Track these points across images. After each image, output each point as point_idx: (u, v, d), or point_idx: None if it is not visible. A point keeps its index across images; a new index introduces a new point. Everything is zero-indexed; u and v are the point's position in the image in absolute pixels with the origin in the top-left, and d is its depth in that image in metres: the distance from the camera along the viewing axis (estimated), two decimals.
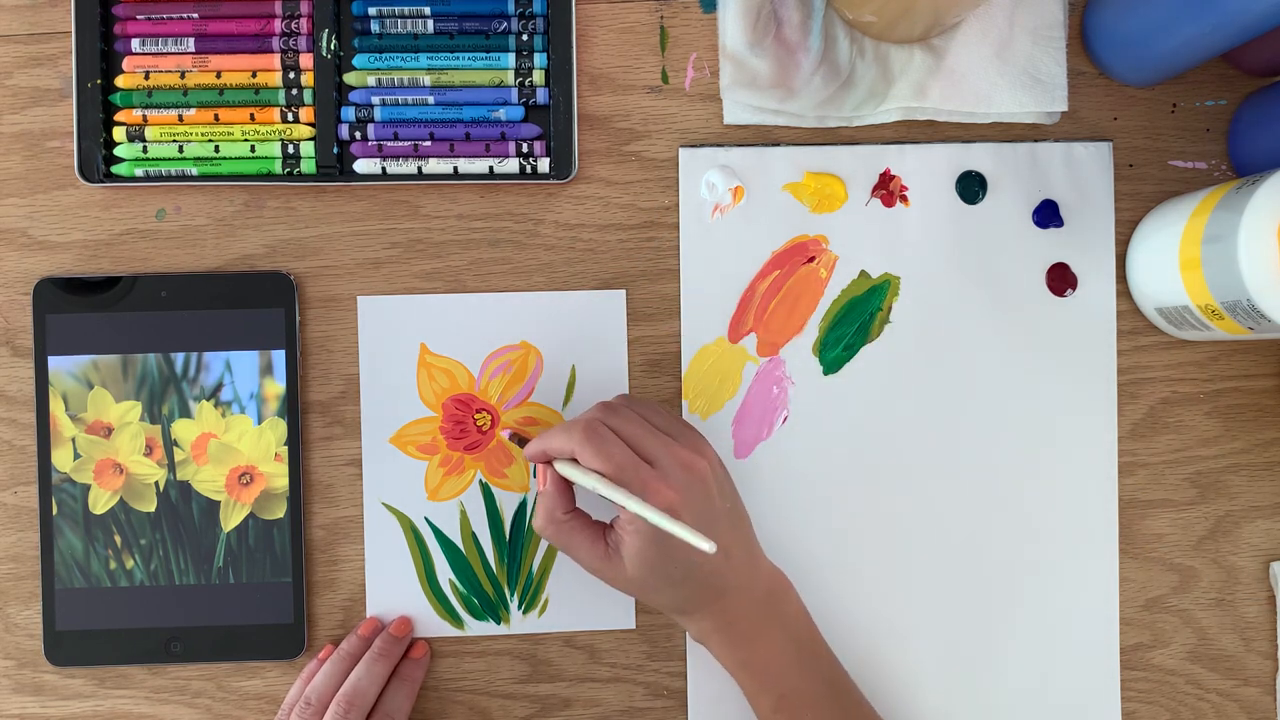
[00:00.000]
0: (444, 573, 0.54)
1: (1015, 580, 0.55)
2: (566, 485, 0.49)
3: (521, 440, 0.52)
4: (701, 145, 0.55)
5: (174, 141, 0.53)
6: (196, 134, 0.53)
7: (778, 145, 0.55)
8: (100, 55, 0.53)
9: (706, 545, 0.42)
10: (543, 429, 0.54)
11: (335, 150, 0.54)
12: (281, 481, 0.54)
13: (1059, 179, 0.55)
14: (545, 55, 0.54)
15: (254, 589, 0.53)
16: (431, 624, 0.54)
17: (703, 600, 0.49)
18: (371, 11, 0.54)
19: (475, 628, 0.54)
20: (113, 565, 0.53)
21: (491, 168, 0.54)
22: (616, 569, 0.48)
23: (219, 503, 0.53)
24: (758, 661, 0.50)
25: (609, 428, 0.47)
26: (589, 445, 0.46)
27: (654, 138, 0.55)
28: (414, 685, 0.53)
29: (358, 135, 0.54)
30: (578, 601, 0.55)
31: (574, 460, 0.48)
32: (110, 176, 0.53)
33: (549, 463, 0.49)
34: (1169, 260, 0.51)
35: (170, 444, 0.53)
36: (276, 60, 0.54)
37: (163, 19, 0.54)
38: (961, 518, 0.55)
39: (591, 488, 0.46)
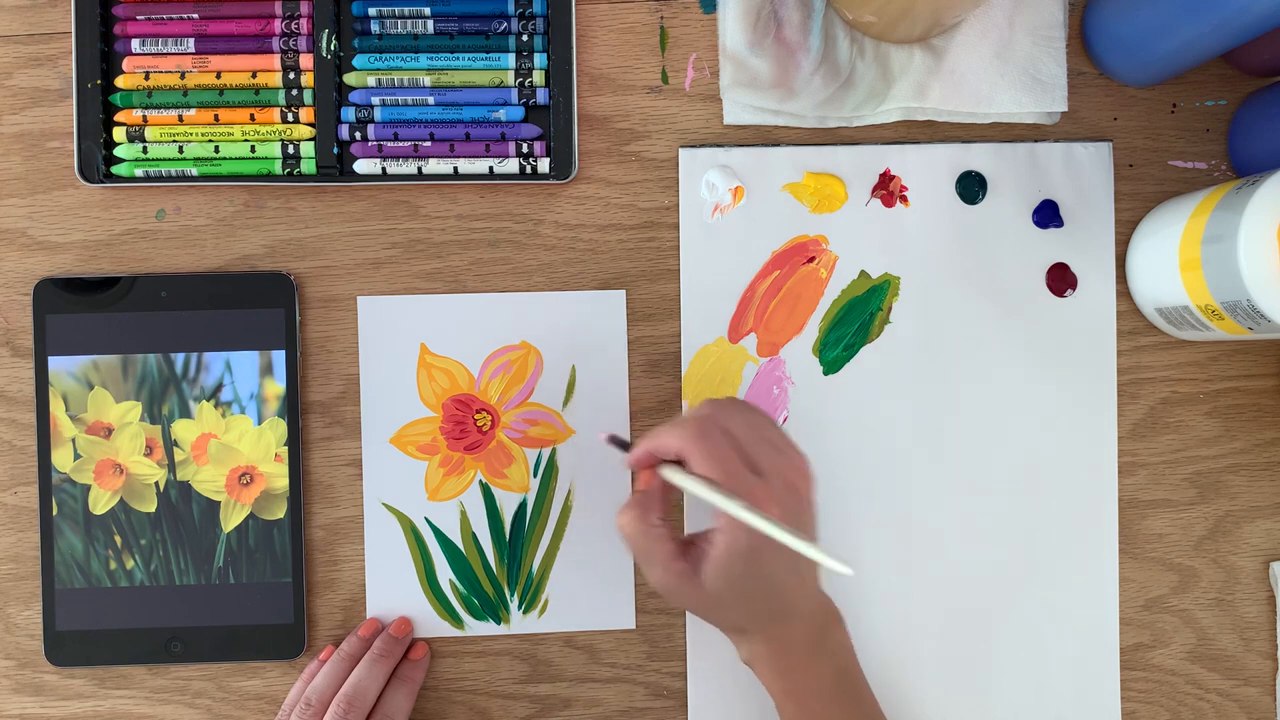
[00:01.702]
0: (444, 573, 0.54)
1: (1015, 580, 0.55)
2: (666, 490, 0.48)
3: (621, 444, 0.50)
4: (701, 145, 0.55)
5: (174, 142, 0.53)
6: (196, 134, 0.53)
7: (778, 145, 0.55)
8: (100, 55, 0.53)
9: (843, 568, 0.41)
10: (542, 433, 0.54)
11: (335, 150, 0.54)
12: (281, 482, 0.54)
13: (1059, 179, 0.55)
14: (545, 55, 0.54)
15: (254, 589, 0.53)
16: (431, 624, 0.54)
17: (766, 621, 0.47)
18: (371, 12, 0.54)
19: (475, 628, 0.54)
20: (113, 565, 0.53)
21: (491, 168, 0.54)
22: (690, 585, 0.46)
23: (219, 503, 0.53)
24: (802, 691, 0.48)
25: (720, 429, 0.46)
26: (699, 446, 0.45)
27: (654, 138, 0.55)
28: (414, 686, 0.53)
29: (358, 135, 0.54)
30: (578, 601, 0.55)
31: (678, 463, 0.46)
32: (110, 177, 0.53)
33: (652, 467, 0.47)
34: (1169, 260, 0.51)
35: (170, 444, 0.53)
36: (276, 60, 0.54)
37: (163, 19, 0.54)
38: (961, 517, 0.55)
39: (700, 494, 0.45)
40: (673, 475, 0.46)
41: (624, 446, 0.50)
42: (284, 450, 0.54)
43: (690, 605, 0.48)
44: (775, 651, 0.48)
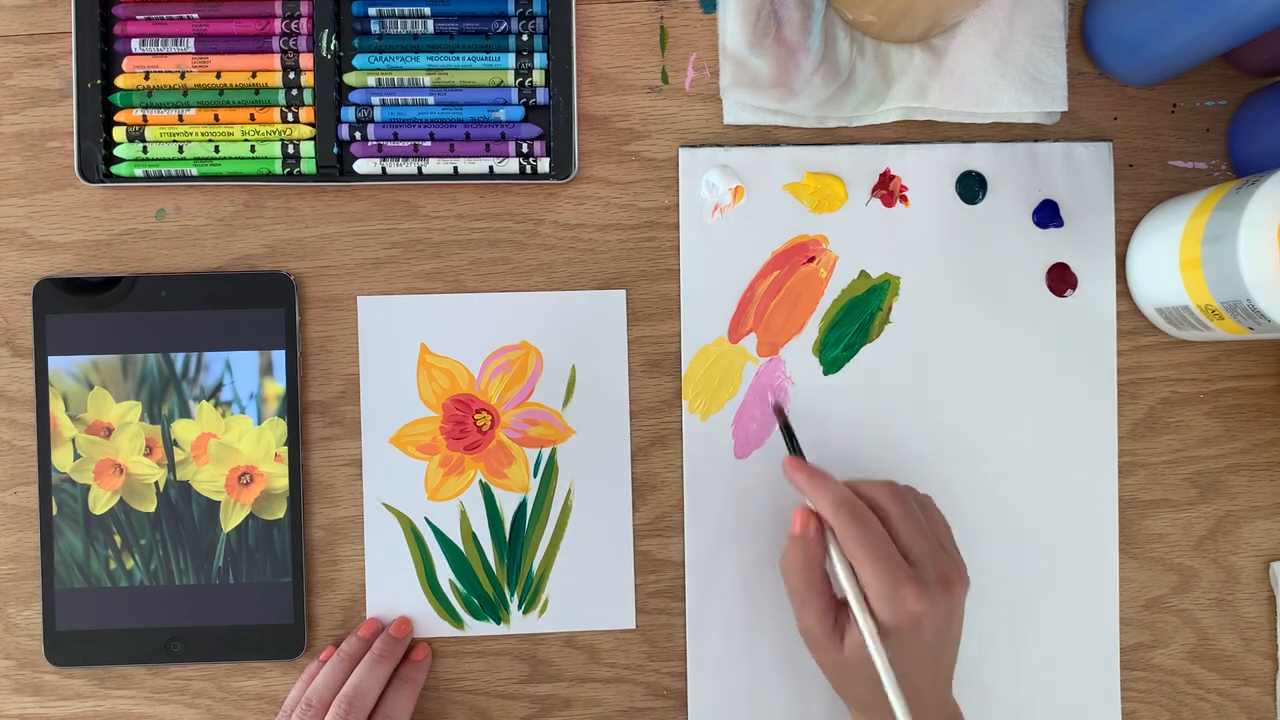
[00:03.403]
0: (444, 573, 0.54)
1: (1015, 580, 0.55)
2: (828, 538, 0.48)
3: (791, 438, 0.51)
4: (701, 145, 0.55)
5: (174, 141, 0.53)
6: (196, 134, 0.53)
7: (778, 145, 0.55)
8: (100, 55, 0.53)
9: (903, 715, 0.42)
10: (542, 433, 0.54)
11: (335, 150, 0.54)
12: (281, 482, 0.54)
13: (1059, 179, 0.55)
14: (545, 55, 0.54)
15: (254, 589, 0.53)
16: (431, 624, 0.54)
17: (886, 712, 0.47)
18: (371, 11, 0.54)
19: (475, 628, 0.54)
20: (113, 565, 0.53)
21: (491, 168, 0.54)
22: (832, 645, 0.46)
23: (219, 503, 0.53)
24: None
25: (879, 516, 0.46)
26: (848, 526, 0.45)
27: (654, 138, 0.55)
28: (415, 687, 0.53)
29: (358, 135, 0.54)
30: (578, 601, 0.55)
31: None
32: (110, 176, 0.53)
33: (812, 513, 0.47)
34: (1169, 260, 0.51)
35: (170, 444, 0.53)
36: (276, 60, 0.54)
37: (163, 19, 0.54)
38: (961, 517, 0.55)
39: (836, 568, 0.45)
40: (832, 546, 0.46)
41: (788, 433, 0.51)
42: (284, 450, 0.54)
43: (826, 665, 0.48)
44: None
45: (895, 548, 0.45)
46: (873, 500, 0.47)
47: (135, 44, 0.53)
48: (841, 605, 0.47)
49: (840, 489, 0.47)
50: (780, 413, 0.53)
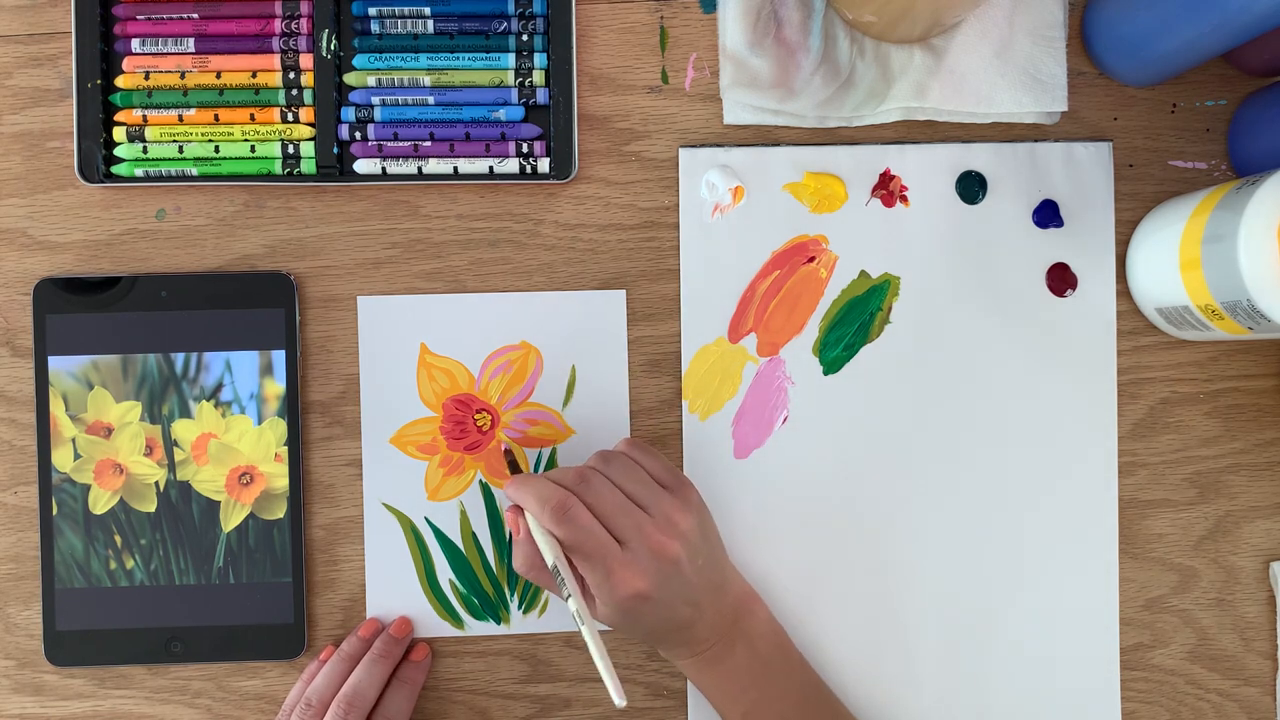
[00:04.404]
0: (444, 573, 0.54)
1: (1015, 580, 0.55)
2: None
3: (514, 464, 0.51)
4: (701, 145, 0.55)
5: (174, 141, 0.53)
6: (196, 134, 0.53)
7: (778, 145, 0.55)
8: (100, 55, 0.53)
9: (618, 699, 0.44)
10: (542, 433, 0.54)
11: (335, 150, 0.54)
12: (281, 481, 0.54)
13: (1059, 179, 0.55)
14: (545, 55, 0.54)
15: (254, 589, 0.53)
16: (431, 624, 0.54)
17: (672, 639, 0.50)
18: (371, 11, 0.54)
19: (475, 628, 0.54)
20: (113, 565, 0.53)
21: (491, 168, 0.54)
22: (596, 611, 0.48)
23: (219, 503, 0.53)
24: (724, 680, 0.51)
25: (586, 501, 0.47)
26: (559, 525, 0.46)
27: (654, 138, 0.55)
28: (414, 687, 0.53)
29: (358, 135, 0.54)
30: None
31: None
32: (110, 176, 0.53)
33: (518, 511, 0.49)
34: (1169, 260, 0.51)
35: (170, 444, 0.53)
36: (276, 60, 0.54)
37: (163, 19, 0.54)
38: (961, 517, 0.55)
39: (550, 564, 0.46)
40: (536, 529, 0.47)
41: (515, 469, 0.51)
42: (284, 450, 0.54)
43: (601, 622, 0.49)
44: (689, 654, 0.51)
45: (604, 533, 0.47)
46: (573, 487, 0.47)
47: (135, 44, 0.53)
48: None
49: (543, 487, 0.47)
50: (508, 454, 0.52)
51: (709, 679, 0.51)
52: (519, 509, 0.48)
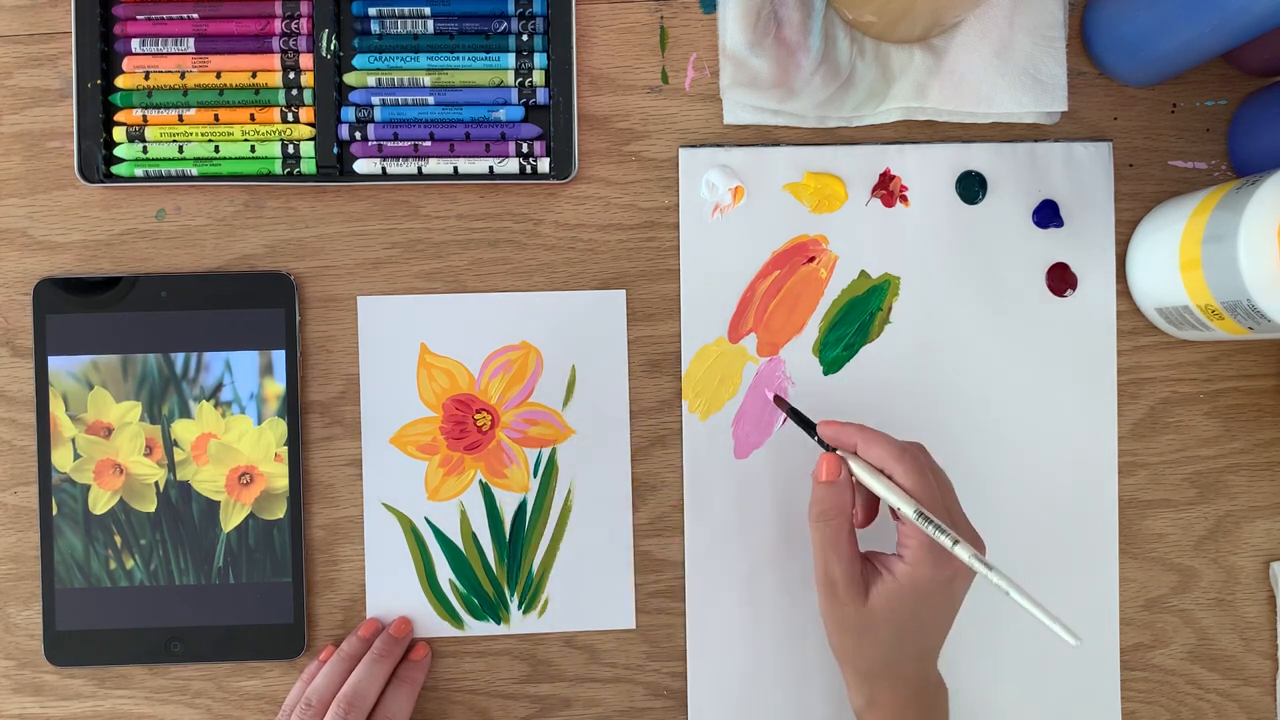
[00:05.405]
0: (444, 573, 0.54)
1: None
2: (865, 491, 0.48)
3: (792, 411, 0.51)
4: (701, 145, 0.55)
5: (174, 141, 0.53)
6: (196, 134, 0.53)
7: (778, 145, 0.55)
8: (100, 55, 0.53)
9: (1071, 639, 0.41)
10: (542, 433, 0.54)
11: (335, 150, 0.54)
12: (281, 481, 0.54)
13: (1059, 179, 0.55)
14: (545, 55, 0.54)
15: (254, 589, 0.53)
16: (431, 624, 0.54)
17: (893, 673, 0.48)
18: (371, 11, 0.54)
19: (475, 628, 0.54)
20: (113, 565, 0.53)
21: (491, 168, 0.54)
22: (855, 597, 0.46)
23: (219, 503, 0.53)
24: None
25: (929, 466, 0.46)
26: (920, 475, 0.45)
27: (654, 138, 0.55)
28: (414, 687, 0.53)
29: (358, 135, 0.54)
30: (578, 601, 0.55)
31: (878, 470, 0.47)
32: (110, 176, 0.53)
33: (841, 459, 0.48)
34: (1169, 260, 0.51)
35: (170, 444, 0.53)
36: (276, 60, 0.54)
37: (163, 19, 0.54)
38: None
39: (900, 507, 0.45)
40: (869, 477, 0.46)
41: (796, 416, 0.51)
42: (284, 450, 0.54)
43: (842, 621, 0.47)
44: (886, 706, 0.48)
45: (942, 502, 0.46)
46: (929, 464, 0.48)
47: (135, 44, 0.53)
48: (865, 559, 0.48)
49: (894, 442, 0.47)
50: (781, 402, 0.53)
51: None
52: (834, 455, 0.48)
